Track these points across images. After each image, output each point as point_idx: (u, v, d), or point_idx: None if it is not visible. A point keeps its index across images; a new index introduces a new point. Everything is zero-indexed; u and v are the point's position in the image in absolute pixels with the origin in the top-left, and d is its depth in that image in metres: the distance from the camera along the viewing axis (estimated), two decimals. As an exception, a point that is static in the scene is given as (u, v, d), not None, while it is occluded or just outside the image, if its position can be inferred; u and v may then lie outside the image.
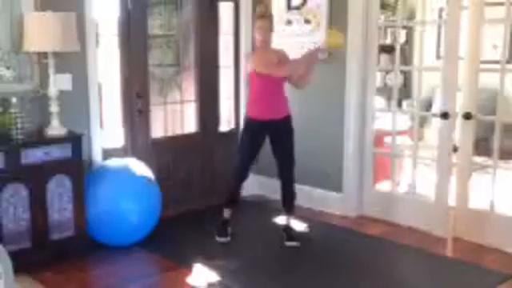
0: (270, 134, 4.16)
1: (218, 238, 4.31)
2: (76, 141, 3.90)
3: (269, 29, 4.05)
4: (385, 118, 5.80)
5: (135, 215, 4.05)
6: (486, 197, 4.28)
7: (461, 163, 4.33)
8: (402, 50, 7.98)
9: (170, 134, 5.04)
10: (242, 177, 4.25)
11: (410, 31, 8.68)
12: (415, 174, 4.66)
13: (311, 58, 4.00)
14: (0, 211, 3.58)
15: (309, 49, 4.16)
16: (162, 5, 4.92)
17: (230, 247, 4.24)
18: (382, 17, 7.90)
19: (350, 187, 4.88)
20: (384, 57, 8.64)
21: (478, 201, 4.40)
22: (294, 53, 4.89)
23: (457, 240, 4.32)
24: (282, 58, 4.17)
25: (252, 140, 4.15)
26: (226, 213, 4.37)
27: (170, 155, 5.02)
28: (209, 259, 3.94)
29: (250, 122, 4.15)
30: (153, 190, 4.23)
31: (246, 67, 4.13)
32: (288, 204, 4.30)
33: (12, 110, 3.66)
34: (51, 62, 3.82)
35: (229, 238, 4.31)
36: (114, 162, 4.26)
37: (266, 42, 4.08)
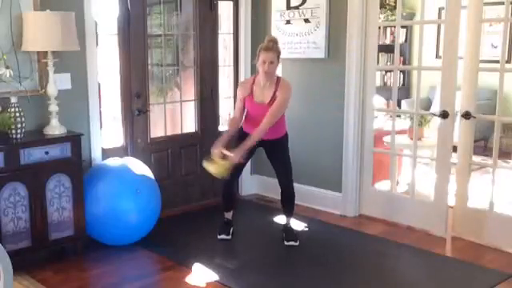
0: (264, 149, 4.18)
1: (218, 236, 4.31)
2: (75, 140, 3.90)
3: (273, 62, 3.94)
4: (384, 118, 5.81)
5: (134, 214, 4.05)
6: (484, 196, 4.29)
7: (460, 162, 4.33)
8: (402, 49, 8.00)
9: (169, 133, 5.04)
10: (230, 183, 4.24)
11: (409, 30, 8.71)
12: (414, 173, 4.66)
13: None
14: (-1, 210, 3.58)
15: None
16: (162, 4, 4.92)
17: (230, 247, 4.25)
18: (382, 16, 7.94)
19: (349, 186, 4.88)
20: (383, 56, 8.68)
21: (477, 200, 4.41)
22: (294, 53, 4.92)
23: (456, 239, 4.33)
24: (278, 95, 3.98)
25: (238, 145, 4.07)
26: (227, 215, 4.42)
27: (169, 155, 5.02)
28: (208, 259, 3.94)
29: (243, 134, 4.11)
30: (152, 190, 4.23)
31: (240, 93, 4.09)
32: (287, 205, 4.32)
33: (12, 110, 3.66)
34: (51, 61, 3.82)
35: (230, 237, 4.32)
36: (113, 162, 4.26)
37: (268, 75, 3.97)
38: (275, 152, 4.19)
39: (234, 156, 3.87)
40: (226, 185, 4.28)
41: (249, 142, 3.94)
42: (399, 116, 5.75)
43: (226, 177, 3.95)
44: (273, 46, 3.96)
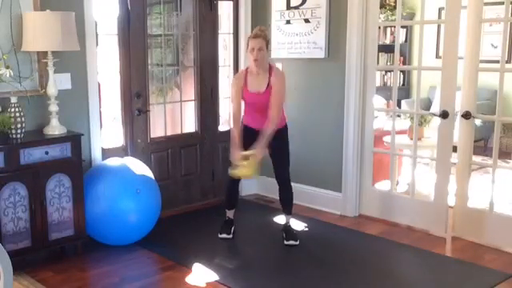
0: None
1: (219, 234, 4.32)
2: (75, 140, 3.91)
3: (262, 48, 3.95)
4: (384, 118, 5.82)
5: (134, 214, 4.05)
6: (484, 196, 4.29)
7: (460, 162, 4.33)
8: (402, 49, 8.00)
9: (169, 133, 5.04)
10: (236, 180, 4.25)
11: (409, 30, 8.71)
12: (414, 173, 4.66)
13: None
14: (-1, 210, 3.58)
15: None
16: (162, 4, 4.92)
17: (230, 247, 4.25)
18: (382, 16, 7.94)
19: (349, 187, 4.88)
20: (383, 56, 8.68)
21: (477, 200, 4.41)
22: (294, 53, 4.92)
23: (456, 239, 4.33)
24: (273, 85, 4.00)
25: (243, 143, 4.10)
26: (229, 213, 4.42)
27: (169, 155, 5.02)
28: (208, 259, 3.94)
29: (244, 128, 4.13)
30: (152, 190, 4.23)
31: (235, 85, 4.09)
32: (286, 202, 4.32)
33: (12, 110, 3.67)
34: (51, 61, 3.82)
35: (231, 236, 4.32)
36: (113, 162, 4.26)
37: (259, 62, 3.98)
38: (277, 143, 4.13)
39: (258, 152, 3.89)
40: (232, 182, 4.27)
41: (265, 139, 3.93)
42: (399, 116, 5.75)
43: (258, 175, 4.00)
44: (261, 34, 4.00)
